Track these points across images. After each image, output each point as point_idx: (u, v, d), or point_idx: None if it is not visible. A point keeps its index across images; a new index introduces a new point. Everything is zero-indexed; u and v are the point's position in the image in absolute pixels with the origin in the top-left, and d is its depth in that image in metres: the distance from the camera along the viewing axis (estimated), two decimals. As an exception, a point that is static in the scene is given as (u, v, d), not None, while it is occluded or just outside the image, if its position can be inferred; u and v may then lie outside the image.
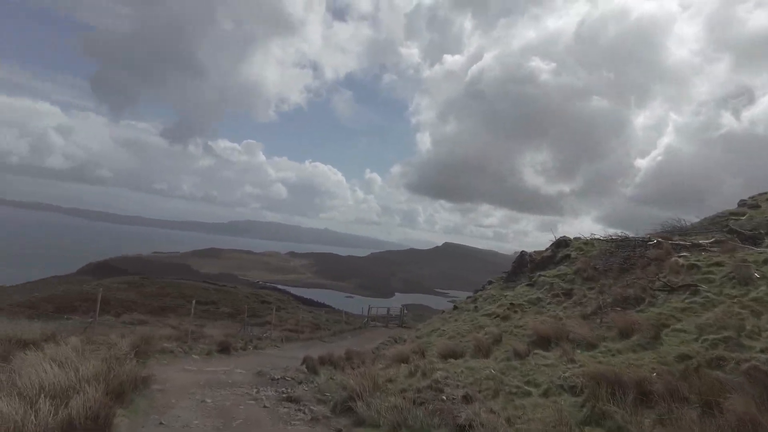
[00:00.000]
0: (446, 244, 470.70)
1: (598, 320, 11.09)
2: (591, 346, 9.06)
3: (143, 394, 6.69)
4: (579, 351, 8.81)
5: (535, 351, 9.42)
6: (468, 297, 30.01)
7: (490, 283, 30.08)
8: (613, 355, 8.32)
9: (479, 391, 7.29)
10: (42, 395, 4.76)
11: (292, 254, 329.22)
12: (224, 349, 15.22)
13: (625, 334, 9.18)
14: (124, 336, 11.34)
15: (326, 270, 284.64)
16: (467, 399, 7.06)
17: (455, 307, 29.17)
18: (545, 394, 6.81)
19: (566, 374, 7.17)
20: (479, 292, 29.34)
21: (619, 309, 11.35)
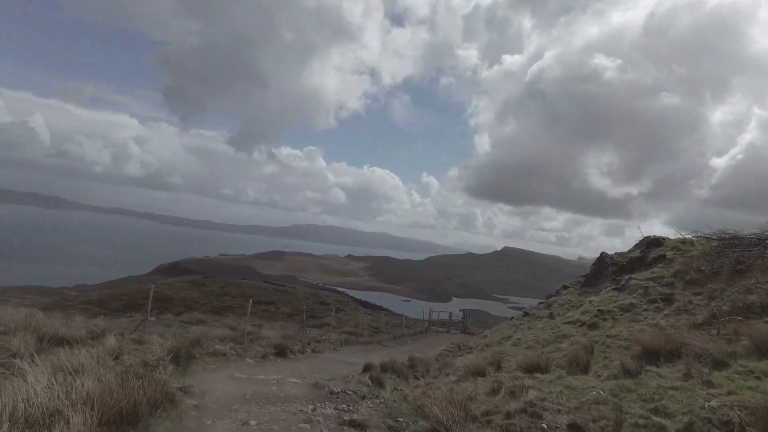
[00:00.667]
0: (506, 249, 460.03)
1: (715, 331, 9.14)
2: (720, 364, 7.23)
3: (170, 413, 5.21)
4: (706, 370, 6.99)
5: (647, 368, 7.66)
6: (540, 303, 27.85)
7: (564, 287, 27.78)
8: (758, 378, 6.47)
9: (592, 420, 5.69)
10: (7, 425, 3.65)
11: (350, 257, 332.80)
12: (281, 352, 14.30)
13: (762, 350, 7.28)
14: (174, 336, 10.49)
15: (383, 273, 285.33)
16: (576, 430, 5.51)
17: (526, 314, 27.14)
18: (688, 430, 5.12)
19: (711, 404, 5.44)
20: (553, 298, 27.13)
21: (740, 318, 9.34)
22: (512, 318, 29.99)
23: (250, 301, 15.73)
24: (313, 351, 16.56)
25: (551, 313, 21.79)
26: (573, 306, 20.72)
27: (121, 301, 31.62)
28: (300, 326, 20.06)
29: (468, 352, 19.39)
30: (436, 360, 18.81)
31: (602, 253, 26.48)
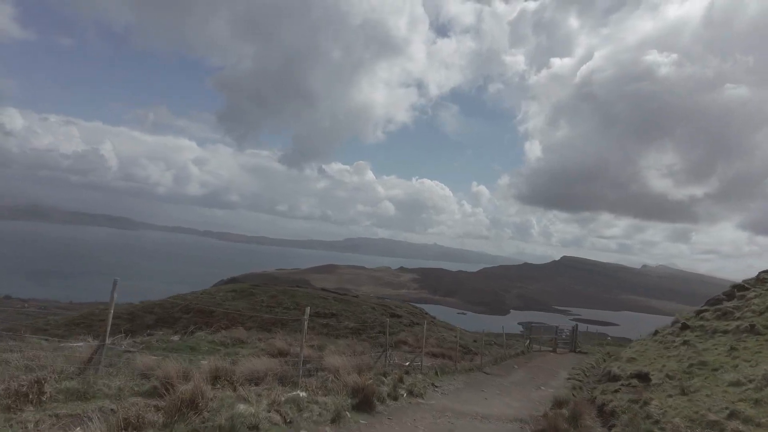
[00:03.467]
0: (564, 258, 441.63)
1: None
2: None
3: None
4: None
5: None
6: (702, 309, 20.07)
7: (741, 288, 19.80)
8: None
9: None
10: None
11: (402, 269, 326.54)
12: (364, 401, 7.94)
13: None
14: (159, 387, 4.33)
15: (435, 285, 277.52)
16: None
17: (685, 326, 19.46)
18: None
19: None
20: (726, 304, 19.38)
21: None
22: (656, 333, 22.31)
23: (307, 311, 9.49)
24: (411, 393, 10.04)
25: (751, 326, 14.37)
26: None
27: (154, 314, 26.46)
28: (381, 351, 13.58)
29: (635, 397, 12.28)
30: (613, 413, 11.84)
31: None
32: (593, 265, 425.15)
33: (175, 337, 16.03)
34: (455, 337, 26.64)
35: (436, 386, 12.36)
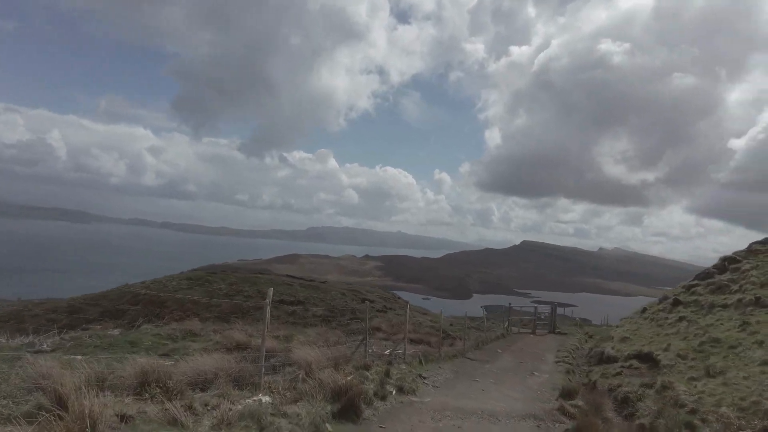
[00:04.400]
0: (524, 243, 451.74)
1: None
2: None
3: None
4: None
5: None
6: (692, 283, 18.97)
7: (731, 260, 18.72)
8: None
9: None
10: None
11: (367, 257, 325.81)
12: (348, 406, 6.03)
13: None
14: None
15: (400, 272, 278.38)
16: None
17: (676, 302, 18.38)
18: None
19: None
20: (718, 277, 18.34)
21: None
22: (645, 310, 21.26)
23: (270, 293, 7.42)
24: (401, 390, 8.19)
25: (756, 298, 13.28)
26: None
27: (100, 307, 23.66)
28: (360, 339, 11.63)
29: (647, 381, 10.88)
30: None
31: None
32: (552, 249, 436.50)
33: (115, 332, 13.65)
34: (431, 321, 25.07)
35: (424, 377, 10.59)
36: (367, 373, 8.40)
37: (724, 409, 7.52)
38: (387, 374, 8.68)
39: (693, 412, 7.95)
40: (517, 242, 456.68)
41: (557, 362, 17.23)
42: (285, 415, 5.21)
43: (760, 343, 10.24)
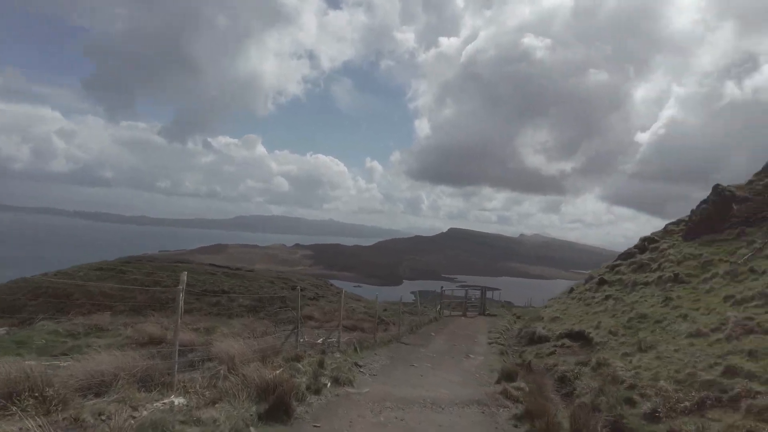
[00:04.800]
0: (451, 230, 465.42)
1: None
2: None
3: None
4: None
5: None
6: (616, 263, 19.68)
7: (650, 240, 19.55)
8: None
9: None
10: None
11: (298, 246, 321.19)
12: (277, 404, 5.22)
13: None
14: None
15: (332, 260, 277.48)
16: None
17: (602, 281, 19.00)
18: None
19: None
20: (640, 256, 19.07)
21: None
22: (572, 290, 21.92)
23: (183, 278, 6.38)
24: (337, 381, 7.48)
25: (675, 275, 13.89)
26: (703, 265, 13.08)
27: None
28: (291, 328, 10.73)
29: (582, 359, 10.98)
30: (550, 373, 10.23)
31: (718, 186, 18.66)
32: (477, 235, 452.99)
33: (1, 330, 11.80)
34: (365, 307, 24.57)
35: (360, 366, 9.94)
36: (299, 365, 7.60)
37: (662, 382, 7.49)
38: (321, 365, 7.93)
39: (632, 387, 7.90)
40: (445, 229, 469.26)
41: (490, 343, 17.30)
42: (199, 421, 4.32)
43: (684, 317, 10.54)
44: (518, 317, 26.56)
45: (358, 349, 11.99)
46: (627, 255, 18.85)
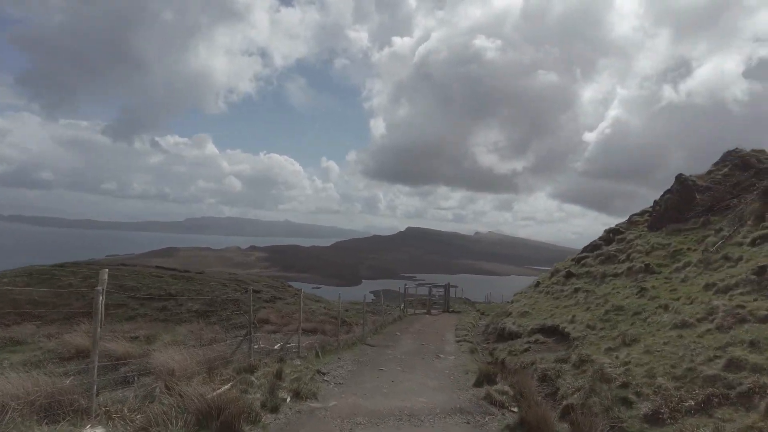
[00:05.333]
0: (409, 229, 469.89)
1: None
2: None
3: None
4: None
5: None
6: (582, 255, 19.39)
7: (615, 232, 19.33)
8: None
9: None
10: None
11: (253, 248, 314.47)
12: (224, 429, 4.09)
13: None
14: None
15: (289, 262, 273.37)
16: None
17: (570, 274, 18.58)
18: None
19: None
20: (606, 248, 18.76)
21: None
22: (538, 284, 21.46)
23: (103, 277, 5.09)
24: (298, 395, 6.38)
25: (646, 265, 13.55)
26: (672, 254, 12.84)
27: None
28: (243, 334, 9.48)
29: (561, 356, 10.36)
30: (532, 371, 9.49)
31: (681, 176, 18.63)
32: (434, 234, 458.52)
33: None
34: (325, 308, 23.38)
35: (324, 373, 8.86)
36: (253, 378, 6.45)
37: (660, 380, 6.82)
38: (278, 375, 6.80)
39: (625, 385, 7.21)
40: (403, 228, 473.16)
41: (458, 341, 16.54)
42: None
43: (665, 307, 10.05)
44: (482, 313, 26.09)
45: (320, 354, 10.88)
46: (593, 247, 18.56)
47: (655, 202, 18.20)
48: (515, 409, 6.88)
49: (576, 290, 15.70)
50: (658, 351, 7.97)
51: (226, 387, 5.85)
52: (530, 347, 12.50)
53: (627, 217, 19.48)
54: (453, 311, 26.43)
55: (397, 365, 11.00)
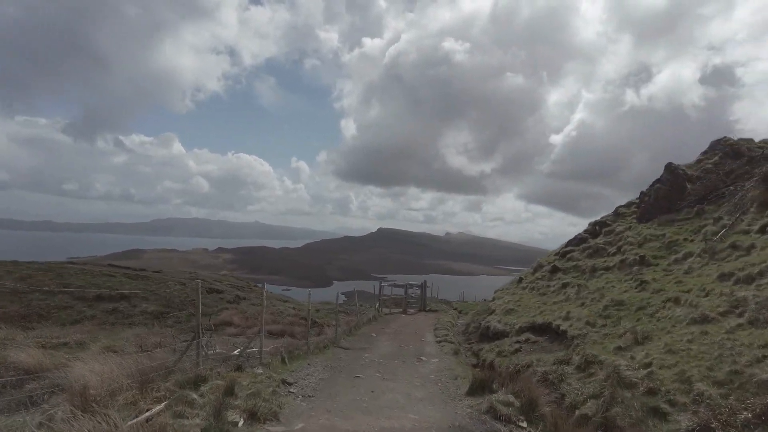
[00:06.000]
0: (380, 230, 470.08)
1: None
2: None
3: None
4: None
5: None
6: (567, 248, 18.33)
7: (601, 224, 18.34)
8: None
9: None
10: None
11: (221, 250, 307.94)
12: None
13: None
14: None
15: (259, 264, 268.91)
16: None
17: (555, 269, 17.58)
18: None
19: None
20: (593, 241, 17.76)
21: None
22: (521, 280, 20.41)
23: None
24: (254, 416, 4.89)
25: (641, 257, 12.63)
26: (668, 245, 12.01)
27: None
28: (192, 338, 7.91)
29: (561, 356, 9.20)
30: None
31: (670, 165, 17.82)
32: (405, 235, 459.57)
33: None
34: (294, 309, 21.79)
35: (290, 383, 7.42)
36: (194, 396, 4.97)
37: (699, 385, 5.65)
38: (230, 391, 5.33)
39: (652, 392, 6.04)
40: (374, 229, 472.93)
41: (439, 342, 15.27)
42: None
43: (676, 301, 9.01)
44: (460, 312, 24.99)
45: (286, 360, 9.40)
46: (579, 240, 17.62)
47: (642, 193, 17.38)
48: (524, 424, 5.62)
49: (564, 285, 14.67)
50: (684, 350, 6.84)
51: (156, 408, 4.37)
52: (521, 347, 11.33)
53: (607, 213, 18.58)
54: (430, 310, 25.21)
55: (376, 371, 9.63)
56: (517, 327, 12.81)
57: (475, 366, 12.27)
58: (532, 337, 11.65)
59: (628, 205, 18.14)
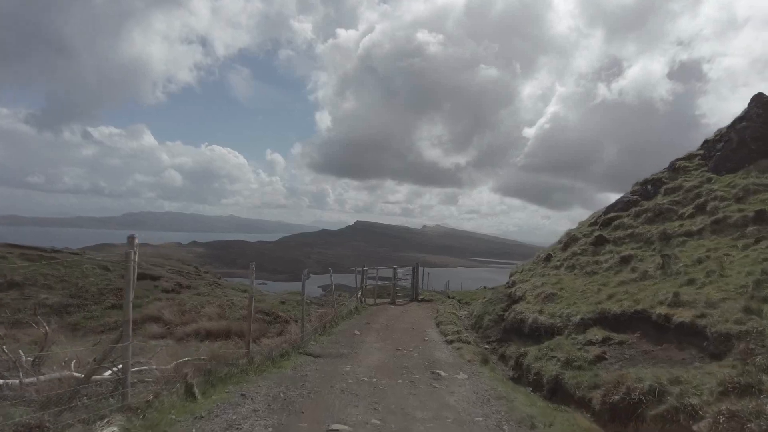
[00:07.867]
0: (357, 223, 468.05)
1: None
2: None
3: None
4: None
5: None
6: (609, 219, 13.91)
7: (656, 182, 13.88)
8: None
9: None
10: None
11: (195, 244, 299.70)
12: None
13: None
14: None
15: (232, 258, 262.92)
16: None
17: (601, 239, 13.14)
18: None
19: None
20: (639, 207, 13.22)
21: None
22: (549, 257, 15.90)
23: None
24: None
25: (748, 217, 8.31)
26: None
27: None
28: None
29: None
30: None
31: (762, 96, 13.26)
32: (382, 227, 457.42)
33: None
34: (258, 298, 17.08)
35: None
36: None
37: None
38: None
39: None
40: (351, 222, 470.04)
41: (451, 342, 10.85)
42: None
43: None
44: (459, 300, 20.75)
45: (196, 392, 4.82)
46: (626, 204, 13.34)
47: (707, 141, 13.24)
48: None
49: (625, 259, 10.40)
50: None
51: None
52: (605, 352, 6.93)
53: (666, 167, 14.26)
54: (423, 300, 20.83)
55: (370, 406, 5.14)
56: (576, 319, 8.42)
57: (516, 380, 7.91)
58: (613, 335, 7.30)
59: (689, 157, 13.91)
